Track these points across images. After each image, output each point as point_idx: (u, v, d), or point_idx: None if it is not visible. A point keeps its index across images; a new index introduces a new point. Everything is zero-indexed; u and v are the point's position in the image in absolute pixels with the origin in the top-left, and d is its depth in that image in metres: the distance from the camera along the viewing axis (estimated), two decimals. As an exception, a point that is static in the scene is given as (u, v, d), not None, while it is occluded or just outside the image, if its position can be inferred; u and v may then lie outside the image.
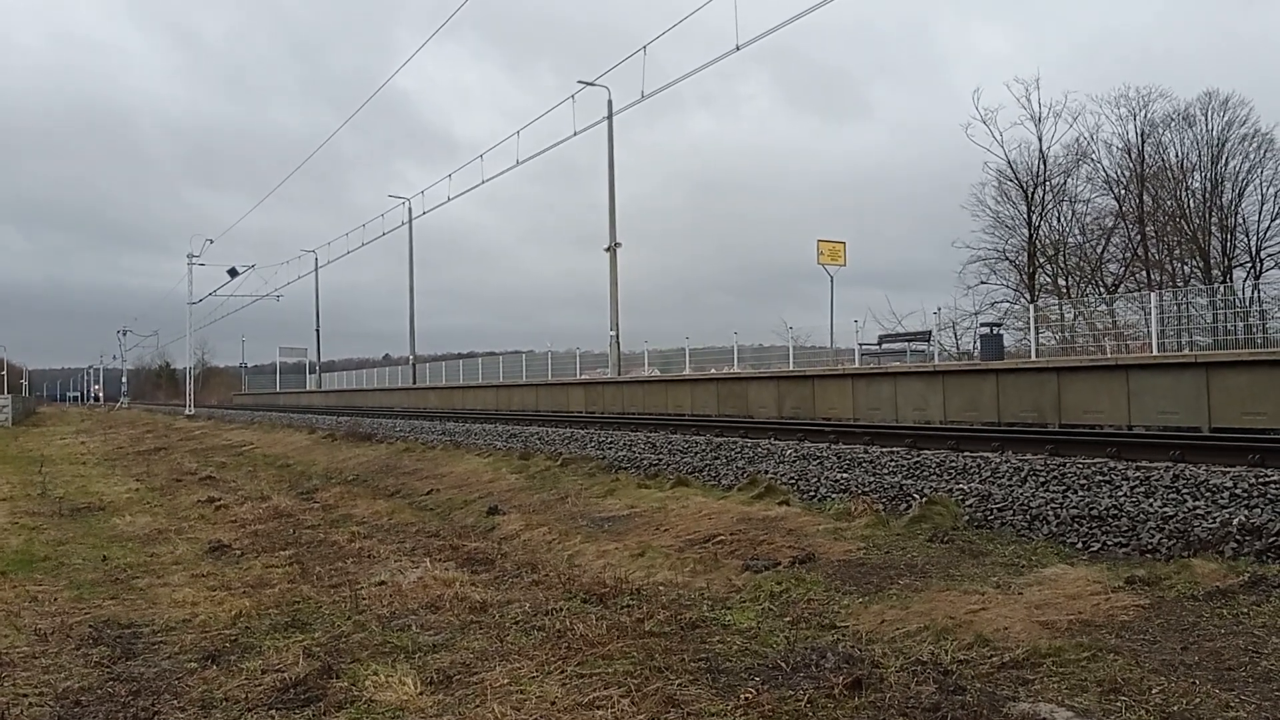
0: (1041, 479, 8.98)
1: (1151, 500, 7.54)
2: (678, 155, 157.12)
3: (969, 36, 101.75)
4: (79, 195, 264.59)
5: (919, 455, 11.34)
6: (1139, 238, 41.49)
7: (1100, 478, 8.63)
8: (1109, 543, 6.70)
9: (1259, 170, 38.72)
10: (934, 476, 9.92)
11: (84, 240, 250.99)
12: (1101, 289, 41.36)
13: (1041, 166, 43.24)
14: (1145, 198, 41.43)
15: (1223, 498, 7.38)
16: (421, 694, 4.00)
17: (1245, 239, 39.34)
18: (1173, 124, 40.52)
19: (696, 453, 13.73)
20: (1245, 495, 7.31)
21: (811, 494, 9.56)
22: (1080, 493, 8.21)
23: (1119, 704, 3.53)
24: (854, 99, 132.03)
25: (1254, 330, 23.45)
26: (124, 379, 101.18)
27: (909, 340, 28.75)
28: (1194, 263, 40.06)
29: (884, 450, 12.30)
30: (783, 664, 4.18)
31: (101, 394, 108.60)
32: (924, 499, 8.14)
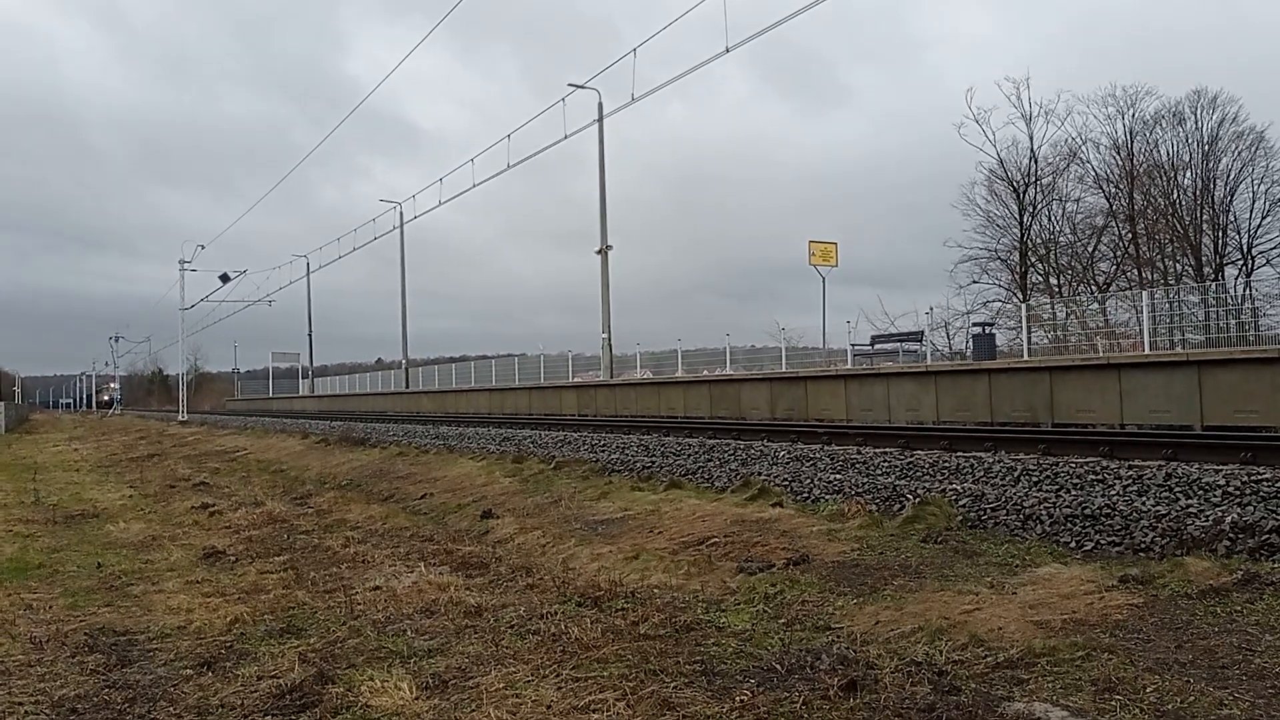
0: (1034, 479, 9.01)
1: (1144, 499, 7.57)
2: (654, 146, 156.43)
3: (949, 18, 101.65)
4: (30, 194, 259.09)
5: (912, 456, 11.37)
6: (1130, 236, 41.65)
7: (1093, 477, 8.67)
8: (1102, 542, 6.72)
9: (1250, 168, 38.93)
10: (927, 477, 9.95)
11: (43, 242, 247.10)
12: (1093, 288, 41.49)
13: (1032, 166, 43.43)
14: (1136, 196, 41.58)
15: (1215, 496, 7.41)
16: (417, 699, 4.00)
17: (1237, 236, 39.52)
18: (1163, 122, 40.74)
19: (690, 455, 13.74)
20: (1238, 493, 7.34)
21: (805, 495, 9.57)
22: (1073, 492, 8.24)
23: (1113, 703, 3.54)
24: (833, 85, 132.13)
25: (1246, 328, 23.57)
26: (117, 385, 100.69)
27: (901, 340, 28.82)
28: (1185, 260, 40.20)
29: (877, 451, 12.32)
30: (778, 666, 4.19)
31: (115, 398, 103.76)
32: (917, 500, 8.16)
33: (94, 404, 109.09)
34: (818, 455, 12.15)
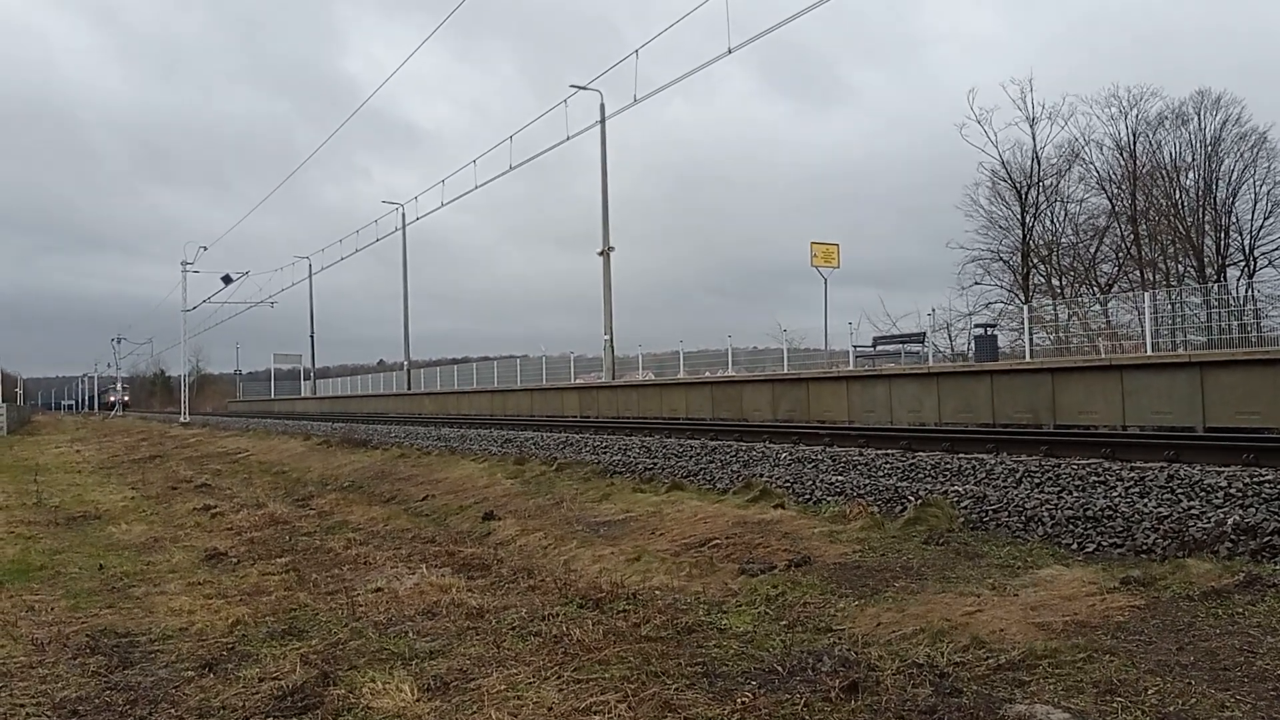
0: (1036, 480, 9.01)
1: (1146, 500, 7.56)
2: (655, 145, 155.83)
3: (951, 17, 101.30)
4: (29, 194, 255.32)
5: (914, 457, 11.36)
6: (1132, 237, 41.63)
7: (1095, 478, 8.66)
8: (1104, 543, 6.72)
9: (1253, 169, 38.95)
10: (929, 478, 9.94)
11: (42, 242, 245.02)
12: (1095, 289, 41.49)
13: (1035, 167, 43.42)
14: (1138, 197, 41.58)
15: (1217, 497, 7.40)
16: (418, 700, 4.00)
17: (1239, 238, 39.56)
18: (1166, 123, 40.75)
19: (691, 456, 13.74)
20: (1240, 495, 7.33)
21: (807, 497, 9.57)
22: (1075, 494, 8.23)
23: (1115, 705, 3.54)
24: (835, 84, 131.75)
25: (1248, 329, 23.52)
26: (119, 386, 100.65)
27: (903, 342, 28.81)
28: (1188, 262, 40.21)
29: (879, 453, 12.31)
30: (779, 667, 4.19)
31: (122, 398, 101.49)
32: (919, 501, 8.16)
33: (99, 405, 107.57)
34: (820, 457, 12.15)
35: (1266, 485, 7.41)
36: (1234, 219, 39.56)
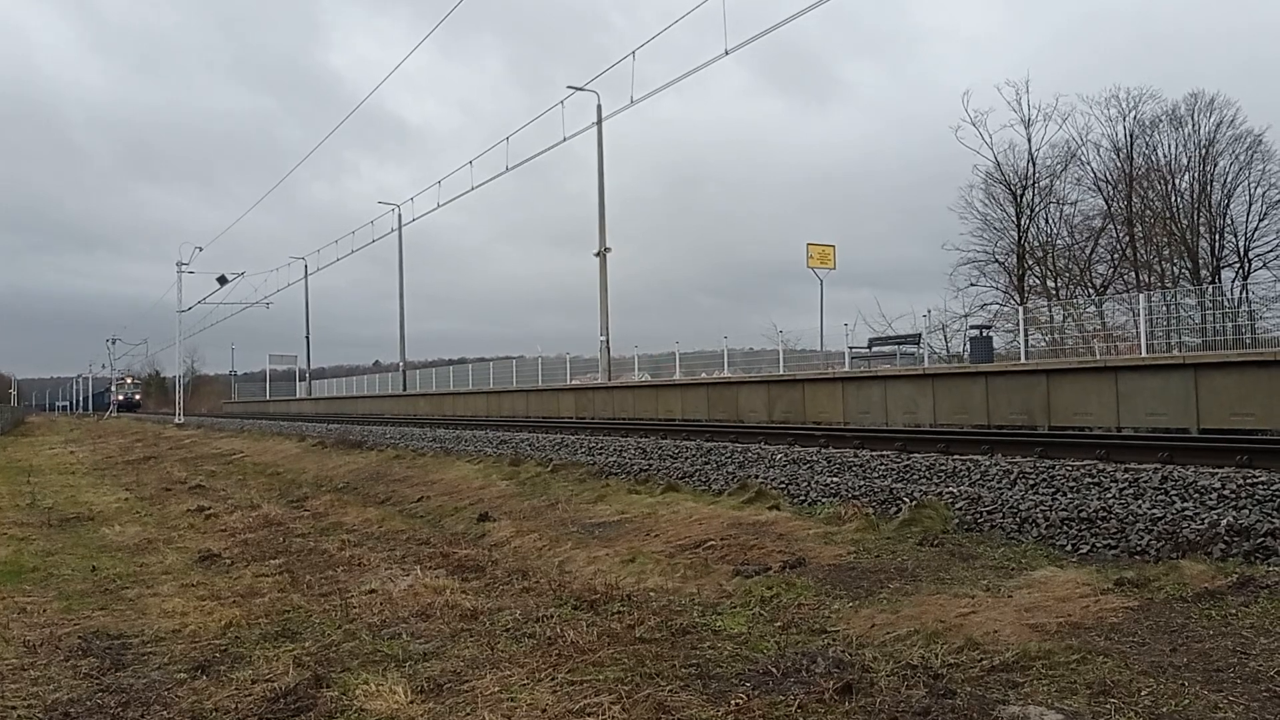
0: (1031, 481, 9.01)
1: (1140, 502, 7.57)
2: (650, 143, 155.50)
3: (950, 16, 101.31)
4: (15, 193, 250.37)
5: (909, 459, 11.36)
6: (1127, 238, 41.69)
7: (1089, 480, 8.67)
8: (1098, 545, 6.72)
9: (1248, 171, 39.04)
10: (924, 480, 9.95)
11: (31, 241, 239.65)
12: (1090, 290, 41.52)
13: (1030, 168, 43.45)
14: (1134, 198, 41.63)
15: (1211, 499, 7.42)
16: (412, 702, 3.99)
17: (1234, 239, 39.64)
18: (1161, 125, 40.81)
19: (687, 458, 13.73)
20: (1233, 496, 7.35)
21: (802, 498, 9.57)
22: (1069, 495, 8.24)
23: (1108, 706, 3.54)
24: (831, 81, 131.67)
25: (1242, 331, 23.60)
26: (114, 387, 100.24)
27: (899, 343, 28.82)
28: (1183, 263, 40.25)
29: (874, 454, 12.32)
30: (773, 669, 4.19)
31: (138, 396, 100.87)
32: (914, 502, 8.17)
33: (106, 404, 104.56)
34: (815, 458, 12.15)
35: (1260, 487, 7.42)
36: (1229, 221, 39.68)
